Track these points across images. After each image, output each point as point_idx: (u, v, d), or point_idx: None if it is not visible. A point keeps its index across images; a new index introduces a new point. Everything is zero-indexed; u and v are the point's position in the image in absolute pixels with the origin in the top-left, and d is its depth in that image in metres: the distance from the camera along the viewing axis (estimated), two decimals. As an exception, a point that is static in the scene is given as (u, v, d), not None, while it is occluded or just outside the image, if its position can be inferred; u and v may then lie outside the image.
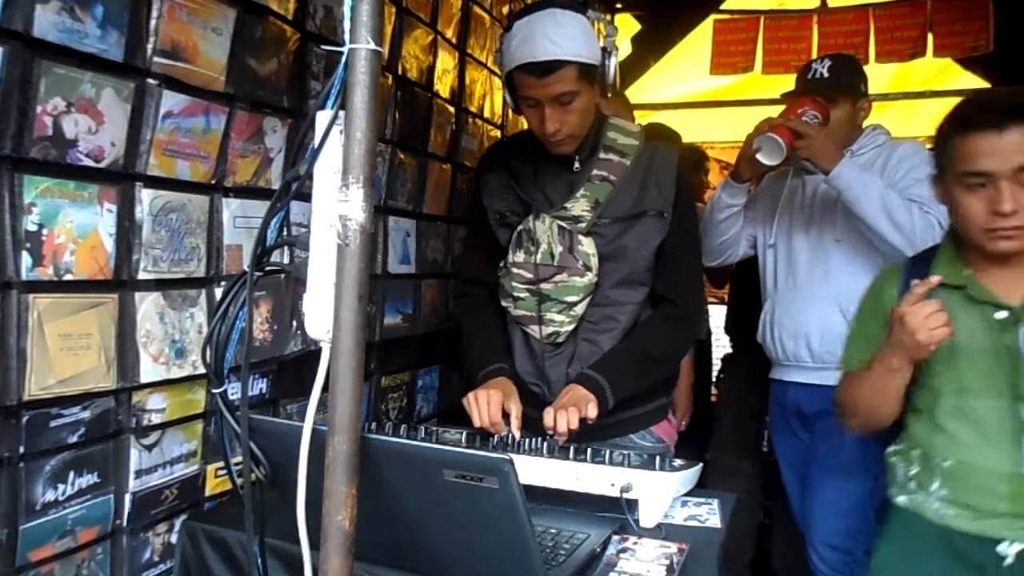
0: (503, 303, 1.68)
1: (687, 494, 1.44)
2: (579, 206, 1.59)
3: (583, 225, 1.59)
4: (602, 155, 1.61)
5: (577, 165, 1.60)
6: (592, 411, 1.44)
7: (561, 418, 1.41)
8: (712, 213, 2.14)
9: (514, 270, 1.63)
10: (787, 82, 3.51)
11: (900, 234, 1.83)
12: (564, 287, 1.59)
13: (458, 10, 2.31)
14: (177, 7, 1.27)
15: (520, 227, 1.63)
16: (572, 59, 1.44)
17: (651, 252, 1.61)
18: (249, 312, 0.97)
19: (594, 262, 1.58)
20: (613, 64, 1.52)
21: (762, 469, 2.91)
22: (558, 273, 1.59)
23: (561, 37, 1.43)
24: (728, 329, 3.06)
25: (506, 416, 1.47)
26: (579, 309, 1.60)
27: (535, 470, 1.35)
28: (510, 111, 2.79)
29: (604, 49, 1.51)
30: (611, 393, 1.51)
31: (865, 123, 2.09)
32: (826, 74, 2.02)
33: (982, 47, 3.08)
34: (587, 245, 1.58)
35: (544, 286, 1.60)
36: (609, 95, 1.58)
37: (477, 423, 1.47)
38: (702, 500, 1.45)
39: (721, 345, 3.37)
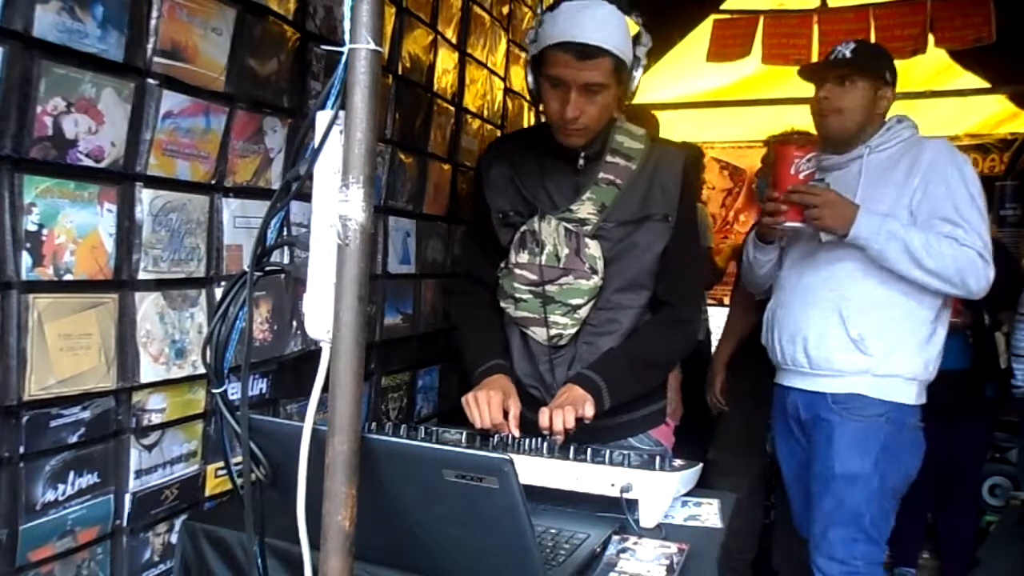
0: (502, 304, 1.67)
1: (687, 494, 1.44)
2: (585, 209, 1.58)
3: (589, 228, 1.58)
4: (609, 158, 1.61)
5: (581, 163, 1.60)
6: (589, 410, 1.44)
7: (557, 417, 1.41)
8: (752, 270, 2.15)
9: (517, 271, 1.62)
10: (787, 76, 3.54)
11: (935, 278, 1.83)
12: (569, 289, 1.58)
13: (458, 10, 2.31)
14: (177, 7, 1.27)
15: (524, 228, 1.62)
16: (613, 50, 1.45)
17: (656, 256, 1.61)
18: (249, 312, 0.97)
19: (600, 265, 1.58)
20: (639, 74, 1.54)
21: (765, 469, 2.92)
22: (564, 275, 1.58)
23: (608, 26, 1.45)
24: None
25: (505, 415, 1.47)
26: (583, 312, 1.59)
27: (535, 470, 1.35)
28: (510, 111, 2.80)
29: (636, 56, 1.52)
30: (608, 394, 1.51)
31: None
32: (848, 55, 1.99)
33: (985, 38, 3.07)
34: (593, 248, 1.58)
35: (549, 288, 1.59)
36: (628, 103, 1.59)
37: (478, 424, 1.47)
38: (702, 500, 1.45)
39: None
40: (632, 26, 1.53)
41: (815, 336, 1.99)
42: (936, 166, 1.88)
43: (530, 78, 1.58)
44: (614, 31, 1.46)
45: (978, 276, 1.81)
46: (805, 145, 1.93)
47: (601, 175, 1.60)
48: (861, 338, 1.93)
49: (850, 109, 1.96)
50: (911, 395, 1.94)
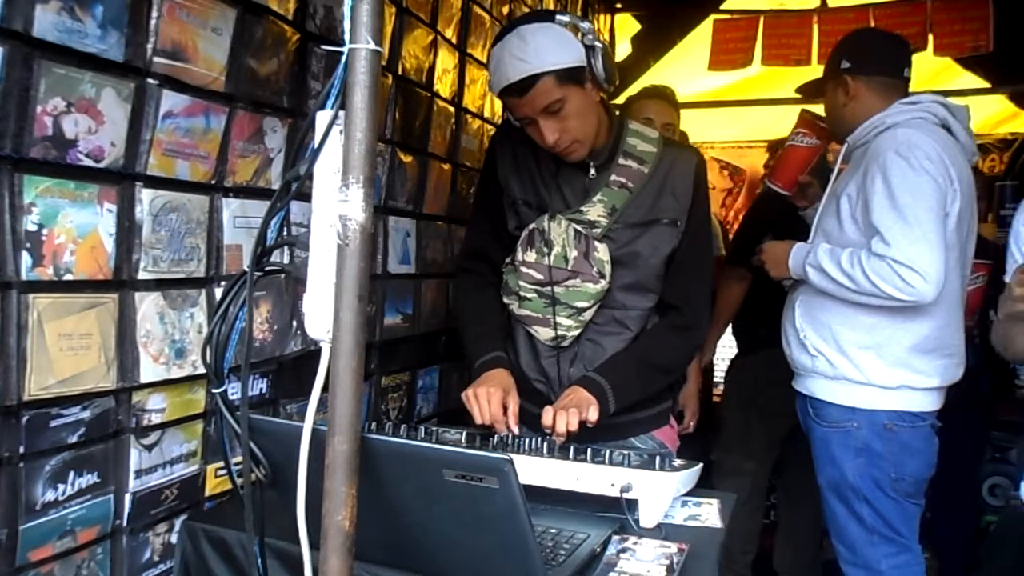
0: (506, 299, 1.67)
1: (687, 494, 1.44)
2: (595, 211, 1.58)
3: (599, 231, 1.57)
4: (621, 161, 1.60)
5: (592, 172, 1.59)
6: (593, 414, 1.44)
7: (560, 419, 1.41)
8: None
9: (523, 269, 1.61)
10: (787, 76, 3.54)
11: (863, 296, 1.76)
12: (576, 292, 1.58)
13: (458, 10, 2.31)
14: (177, 7, 1.27)
15: (533, 226, 1.61)
16: (544, 70, 1.42)
17: (662, 260, 1.60)
18: (249, 312, 0.97)
19: (608, 269, 1.57)
20: (600, 58, 1.48)
21: (767, 470, 2.92)
22: (571, 278, 1.58)
23: (527, 52, 1.42)
24: (735, 331, 3.06)
25: (504, 411, 1.47)
26: (587, 315, 1.59)
27: (535, 470, 1.35)
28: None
29: (588, 47, 1.47)
30: (613, 398, 1.51)
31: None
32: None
33: (982, 47, 3.08)
34: (602, 252, 1.57)
35: (555, 289, 1.59)
36: (611, 89, 1.56)
37: (479, 420, 1.47)
38: (702, 500, 1.45)
39: (722, 345, 3.37)
40: (577, 29, 1.48)
41: (785, 332, 2.01)
42: (870, 168, 1.79)
43: (510, 117, 1.58)
44: (535, 51, 1.42)
45: (897, 285, 1.68)
46: (811, 123, 2.08)
47: (613, 177, 1.59)
48: (806, 337, 1.92)
49: (828, 117, 2.05)
50: (882, 401, 1.85)
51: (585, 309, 1.59)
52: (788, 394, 2.08)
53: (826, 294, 1.86)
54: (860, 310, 1.83)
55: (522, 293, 1.62)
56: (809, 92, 2.16)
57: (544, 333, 1.62)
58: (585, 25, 1.49)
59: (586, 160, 1.58)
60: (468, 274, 1.76)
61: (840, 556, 1.96)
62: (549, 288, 1.59)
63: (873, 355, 1.84)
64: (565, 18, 1.47)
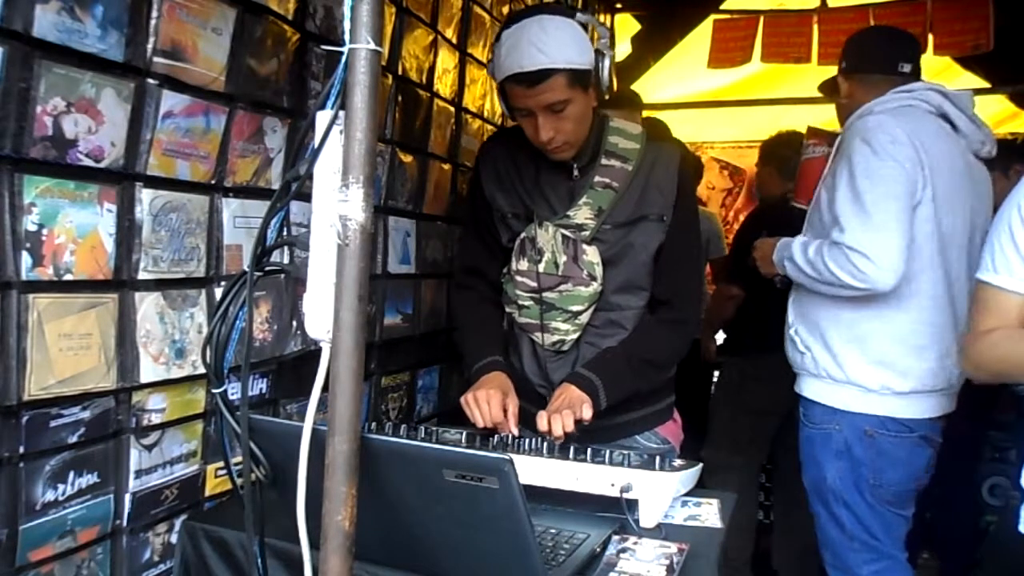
0: (507, 308, 1.68)
1: (687, 494, 1.44)
2: (582, 214, 1.57)
3: (587, 233, 1.57)
4: (604, 161, 1.59)
5: (576, 173, 1.59)
6: (587, 413, 1.44)
7: (556, 422, 1.41)
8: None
9: (518, 278, 1.62)
10: (787, 76, 3.54)
11: (828, 286, 1.76)
12: (568, 296, 1.58)
13: (458, 10, 2.31)
14: (177, 7, 1.27)
15: (523, 235, 1.62)
16: (561, 67, 1.41)
17: (651, 256, 1.60)
18: (249, 312, 0.97)
19: (599, 271, 1.57)
20: (607, 66, 1.48)
21: (755, 466, 2.93)
22: (563, 283, 1.58)
23: (548, 45, 1.40)
24: (725, 329, 3.07)
25: (504, 412, 1.47)
26: (584, 318, 1.59)
27: (535, 470, 1.35)
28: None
29: (598, 51, 1.47)
30: (605, 394, 1.50)
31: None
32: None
33: (983, 46, 3.08)
34: (591, 254, 1.57)
35: (548, 295, 1.59)
36: (607, 97, 1.56)
37: (479, 424, 1.47)
38: (702, 500, 1.45)
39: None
40: (593, 32, 1.49)
41: (785, 331, 2.01)
42: (840, 156, 1.80)
43: (504, 107, 1.56)
44: (559, 45, 1.41)
45: (851, 271, 1.67)
46: (819, 133, 2.13)
47: (597, 179, 1.58)
48: (797, 333, 1.92)
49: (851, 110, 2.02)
50: (864, 404, 1.81)
51: (580, 312, 1.59)
52: (772, 392, 2.08)
53: (816, 291, 1.86)
54: (844, 305, 1.81)
55: (520, 302, 1.63)
56: (827, 91, 2.20)
57: (544, 339, 1.62)
58: (603, 29, 1.50)
59: (569, 161, 1.57)
60: (463, 290, 1.76)
61: (824, 559, 1.95)
62: (541, 295, 1.59)
63: (855, 350, 1.82)
64: (584, 17, 1.47)
